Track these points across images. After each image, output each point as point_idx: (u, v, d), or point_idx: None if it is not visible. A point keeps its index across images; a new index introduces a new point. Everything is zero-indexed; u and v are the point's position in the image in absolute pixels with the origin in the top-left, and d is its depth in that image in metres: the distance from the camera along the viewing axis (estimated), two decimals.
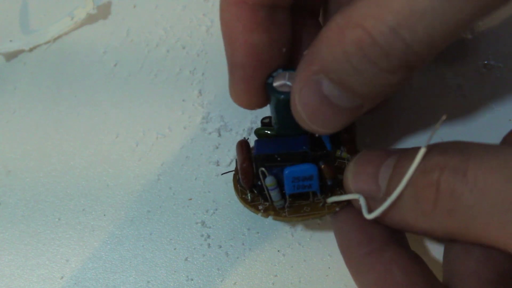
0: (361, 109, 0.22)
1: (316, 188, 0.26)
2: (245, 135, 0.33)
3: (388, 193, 0.21)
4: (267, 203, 0.27)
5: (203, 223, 0.30)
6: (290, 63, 0.26)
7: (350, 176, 0.23)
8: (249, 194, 0.27)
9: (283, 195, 0.26)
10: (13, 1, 0.39)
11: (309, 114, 0.23)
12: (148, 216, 0.31)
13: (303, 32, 0.27)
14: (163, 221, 0.31)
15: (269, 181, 0.25)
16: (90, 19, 0.37)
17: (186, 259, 0.30)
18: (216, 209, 0.31)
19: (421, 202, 0.20)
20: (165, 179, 0.32)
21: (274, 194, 0.26)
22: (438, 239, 0.28)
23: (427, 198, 0.20)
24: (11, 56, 0.37)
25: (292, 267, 0.29)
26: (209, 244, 0.30)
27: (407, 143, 0.31)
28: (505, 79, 0.33)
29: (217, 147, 0.32)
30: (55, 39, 0.37)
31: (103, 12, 0.37)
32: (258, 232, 0.30)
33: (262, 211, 0.27)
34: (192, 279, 0.29)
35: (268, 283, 0.29)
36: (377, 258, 0.25)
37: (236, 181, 0.28)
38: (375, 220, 0.24)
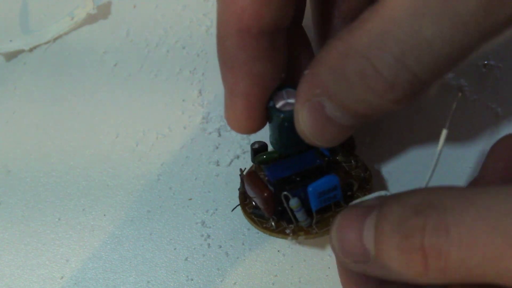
0: (364, 123, 0.22)
1: (339, 196, 0.26)
2: (245, 135, 0.33)
3: (378, 258, 0.21)
4: (292, 225, 0.27)
5: (203, 223, 0.30)
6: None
7: (336, 245, 0.22)
8: (272, 222, 0.27)
9: (308, 213, 0.26)
10: (13, 1, 0.39)
11: (312, 133, 0.23)
12: (148, 216, 0.31)
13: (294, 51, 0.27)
14: (163, 221, 0.31)
15: (294, 203, 0.25)
16: (90, 19, 0.37)
17: (186, 259, 0.30)
18: (216, 209, 0.31)
19: (413, 267, 0.20)
20: (165, 179, 0.32)
21: (300, 215, 0.26)
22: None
23: (417, 263, 0.19)
24: (11, 56, 0.37)
25: (292, 267, 0.29)
26: (209, 244, 0.30)
27: (407, 143, 0.31)
28: (505, 79, 0.33)
29: (217, 147, 0.32)
30: (55, 39, 0.37)
31: (103, 12, 0.37)
32: (258, 232, 0.30)
33: (291, 234, 0.27)
34: (192, 279, 0.29)
35: (268, 283, 0.29)
36: None
37: (248, 213, 0.28)
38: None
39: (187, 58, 0.35)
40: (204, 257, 0.30)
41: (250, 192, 0.27)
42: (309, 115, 0.22)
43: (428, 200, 0.20)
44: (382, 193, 0.23)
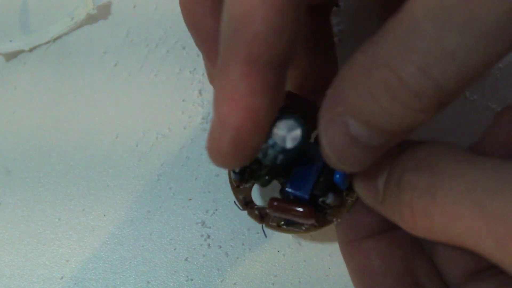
0: (391, 144, 0.22)
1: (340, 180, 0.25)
2: None
3: (383, 202, 0.22)
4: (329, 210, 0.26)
5: (203, 223, 0.30)
6: None
7: (359, 186, 0.24)
8: (314, 222, 0.26)
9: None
10: (13, 1, 0.39)
11: (338, 155, 0.22)
12: (148, 216, 0.31)
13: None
14: (163, 221, 0.31)
15: (331, 200, 0.25)
16: (90, 19, 0.37)
17: (186, 259, 0.30)
18: (216, 209, 0.31)
19: (405, 221, 0.21)
20: (165, 179, 0.32)
21: (332, 199, 0.26)
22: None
23: (408, 218, 0.20)
24: (11, 56, 0.37)
25: (292, 267, 0.29)
26: (209, 244, 0.30)
27: None
28: (505, 79, 0.33)
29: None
30: (55, 39, 0.37)
31: (103, 12, 0.37)
32: (258, 232, 0.30)
33: (335, 219, 0.26)
34: (192, 279, 0.29)
35: (268, 283, 0.29)
36: (358, 247, 0.25)
37: (278, 227, 0.27)
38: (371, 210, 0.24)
39: (187, 58, 0.35)
40: (204, 257, 0.30)
41: (282, 215, 0.26)
42: (333, 136, 0.21)
43: (428, 158, 0.20)
44: None
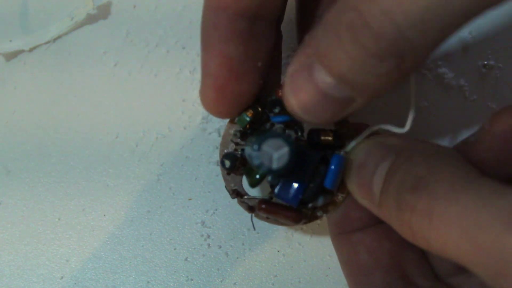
0: (353, 103, 0.22)
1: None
2: None
3: (380, 207, 0.22)
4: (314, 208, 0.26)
5: (203, 223, 0.30)
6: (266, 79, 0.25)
7: (349, 182, 0.24)
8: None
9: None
10: (13, 1, 0.39)
11: (297, 100, 0.22)
12: (148, 216, 0.31)
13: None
14: (163, 221, 0.31)
15: (321, 202, 0.26)
16: (90, 19, 0.37)
17: (186, 259, 0.30)
18: (216, 209, 0.31)
19: (404, 232, 0.21)
20: (165, 179, 0.32)
21: (321, 200, 0.26)
22: None
23: (407, 231, 0.21)
24: (11, 56, 0.37)
25: (292, 267, 0.29)
26: (209, 244, 0.30)
27: None
28: (505, 79, 0.33)
29: (217, 147, 0.32)
30: (55, 39, 0.37)
31: (103, 12, 0.37)
32: (258, 232, 0.30)
33: (322, 214, 0.26)
34: (192, 279, 0.29)
35: (268, 283, 0.29)
36: (347, 239, 0.25)
37: (270, 220, 0.27)
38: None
39: (187, 58, 0.35)
40: (204, 257, 0.30)
41: (271, 216, 0.26)
42: (297, 78, 0.22)
43: (427, 177, 0.20)
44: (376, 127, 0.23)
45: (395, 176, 0.21)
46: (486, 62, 0.33)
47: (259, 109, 0.26)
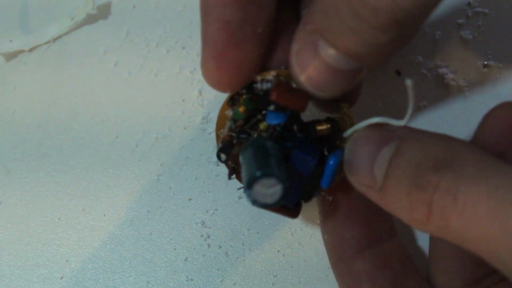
0: (360, 73, 0.22)
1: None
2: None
3: (384, 191, 0.21)
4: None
5: (203, 223, 0.30)
6: (268, 49, 0.25)
7: (347, 164, 0.23)
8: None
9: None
10: (13, 1, 0.39)
11: (306, 77, 0.22)
12: (148, 216, 0.31)
13: (286, 23, 0.26)
14: (163, 221, 0.31)
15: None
16: (90, 19, 0.37)
17: (186, 259, 0.30)
18: (216, 209, 0.31)
19: (415, 214, 0.20)
20: (165, 179, 0.32)
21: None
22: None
23: (421, 213, 0.20)
24: (11, 56, 0.37)
25: (292, 267, 0.29)
26: (209, 244, 0.30)
27: None
28: (505, 79, 0.33)
29: (217, 147, 0.32)
30: (55, 39, 0.37)
31: (103, 12, 0.37)
32: (258, 232, 0.30)
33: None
34: (192, 279, 0.29)
35: (268, 283, 0.29)
36: (348, 267, 0.25)
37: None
38: (355, 222, 0.25)
39: (187, 58, 0.35)
40: (204, 257, 0.30)
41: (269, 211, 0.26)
42: (303, 55, 0.22)
43: (450, 157, 0.20)
44: (375, 120, 0.22)
45: (407, 158, 0.21)
46: (486, 62, 0.33)
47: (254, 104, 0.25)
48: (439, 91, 0.32)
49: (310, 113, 0.25)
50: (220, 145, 0.26)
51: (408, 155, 0.21)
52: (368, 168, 0.22)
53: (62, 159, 0.33)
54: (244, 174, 0.23)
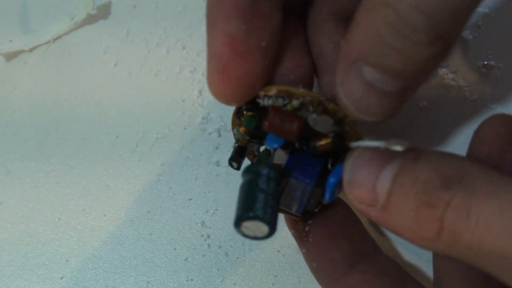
0: (407, 91, 0.22)
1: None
2: None
3: (387, 209, 0.21)
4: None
5: (203, 223, 0.30)
6: (272, 62, 0.25)
7: (347, 178, 0.23)
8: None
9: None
10: (13, 1, 0.39)
11: (355, 104, 0.22)
12: (148, 216, 0.31)
13: (292, 35, 0.26)
14: (163, 221, 0.31)
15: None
16: (90, 19, 0.37)
17: (186, 259, 0.30)
18: (216, 209, 0.31)
19: (424, 231, 0.20)
20: (165, 179, 0.32)
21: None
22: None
23: (430, 231, 0.20)
24: (11, 56, 0.37)
25: (292, 267, 0.29)
26: (209, 244, 0.30)
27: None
28: (505, 79, 0.33)
29: (217, 148, 0.32)
30: (55, 39, 0.37)
31: (103, 12, 0.37)
32: None
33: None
34: (192, 279, 0.29)
35: (268, 283, 0.29)
36: (344, 284, 0.25)
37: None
38: (339, 242, 0.25)
39: (187, 58, 0.35)
40: (204, 257, 0.30)
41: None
42: (349, 84, 0.22)
43: (459, 174, 0.20)
44: (401, 145, 0.22)
45: (413, 177, 0.21)
46: (486, 62, 0.33)
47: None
48: (439, 91, 0.32)
49: (321, 124, 0.25)
50: (232, 153, 0.26)
51: (414, 173, 0.21)
52: (370, 185, 0.22)
53: (62, 159, 0.33)
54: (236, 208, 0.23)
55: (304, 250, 0.27)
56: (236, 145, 0.27)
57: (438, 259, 0.26)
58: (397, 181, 0.21)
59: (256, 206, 0.22)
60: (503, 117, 0.23)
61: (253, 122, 0.25)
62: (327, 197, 0.25)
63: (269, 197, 0.23)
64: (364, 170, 0.22)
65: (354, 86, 0.22)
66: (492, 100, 0.32)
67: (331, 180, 0.24)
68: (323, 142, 0.25)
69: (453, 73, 0.33)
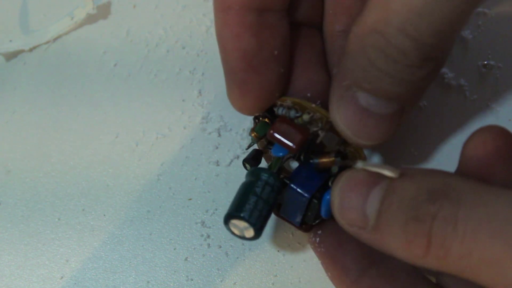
0: (402, 113, 0.22)
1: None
2: (245, 135, 0.33)
3: (377, 229, 0.21)
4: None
5: (203, 223, 0.30)
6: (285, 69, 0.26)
7: (336, 203, 0.23)
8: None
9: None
10: (13, 1, 0.39)
11: (352, 130, 0.23)
12: (148, 216, 0.31)
13: (300, 40, 0.27)
14: (163, 221, 0.31)
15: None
16: (90, 19, 0.37)
17: (186, 259, 0.30)
18: (216, 209, 0.31)
19: (414, 248, 0.20)
20: (165, 179, 0.32)
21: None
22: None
23: (419, 245, 0.20)
24: (11, 56, 0.37)
25: (292, 267, 0.29)
26: (209, 244, 0.30)
27: (406, 144, 0.31)
28: (505, 79, 0.33)
29: (217, 147, 0.32)
30: (55, 39, 0.37)
31: (103, 12, 0.37)
32: None
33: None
34: (192, 279, 0.29)
35: (268, 283, 0.29)
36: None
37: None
38: (351, 245, 0.25)
39: (187, 58, 0.35)
40: (204, 257, 0.30)
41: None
42: (344, 110, 0.22)
43: (445, 188, 0.20)
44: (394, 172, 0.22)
45: (400, 195, 0.21)
46: (486, 62, 0.33)
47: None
48: (439, 91, 0.32)
49: (327, 141, 0.26)
50: (248, 154, 0.27)
51: (401, 191, 0.21)
52: (359, 208, 0.22)
53: (62, 159, 0.33)
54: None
55: (320, 261, 0.27)
56: (254, 148, 0.28)
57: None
58: (385, 201, 0.21)
59: (245, 208, 0.23)
60: (491, 129, 0.23)
61: (264, 128, 0.26)
62: (323, 213, 0.25)
63: (260, 201, 0.23)
64: (353, 193, 0.22)
65: (349, 112, 0.22)
66: (492, 100, 0.32)
67: (327, 197, 0.25)
68: (325, 159, 0.25)
69: (453, 73, 0.33)
